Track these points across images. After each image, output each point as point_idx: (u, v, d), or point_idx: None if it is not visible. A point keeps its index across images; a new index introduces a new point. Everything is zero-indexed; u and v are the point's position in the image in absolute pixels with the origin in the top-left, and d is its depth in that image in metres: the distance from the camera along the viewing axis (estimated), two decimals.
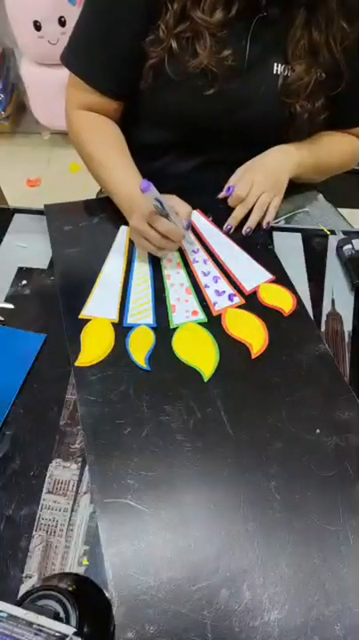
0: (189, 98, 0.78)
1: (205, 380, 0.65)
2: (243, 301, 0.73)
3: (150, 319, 0.71)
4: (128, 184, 0.78)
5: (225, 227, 0.83)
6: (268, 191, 0.82)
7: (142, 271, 0.78)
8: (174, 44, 0.74)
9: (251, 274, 0.77)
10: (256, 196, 0.82)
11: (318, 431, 0.60)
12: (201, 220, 0.85)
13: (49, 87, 1.82)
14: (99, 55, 0.80)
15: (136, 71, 0.79)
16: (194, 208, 0.86)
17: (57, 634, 0.36)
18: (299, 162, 0.85)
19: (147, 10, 0.73)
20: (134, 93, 0.83)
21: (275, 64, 0.77)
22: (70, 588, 0.45)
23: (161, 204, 0.68)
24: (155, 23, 0.74)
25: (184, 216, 0.76)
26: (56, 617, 0.41)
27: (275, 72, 0.78)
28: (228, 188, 0.83)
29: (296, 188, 1.03)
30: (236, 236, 0.82)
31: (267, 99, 0.79)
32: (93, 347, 0.68)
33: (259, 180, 0.82)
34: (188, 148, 0.89)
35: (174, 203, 0.76)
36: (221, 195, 0.86)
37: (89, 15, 0.79)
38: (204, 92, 0.76)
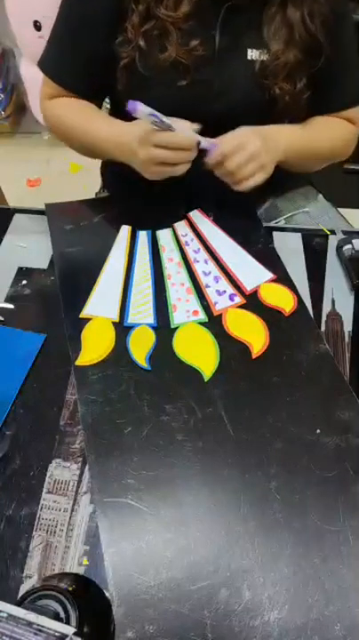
0: (164, 92, 0.77)
1: (206, 379, 0.65)
2: (244, 301, 0.73)
3: (151, 319, 0.71)
4: (117, 127, 0.77)
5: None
6: (259, 159, 0.73)
7: (143, 270, 0.78)
8: (142, 43, 0.74)
9: (252, 273, 0.77)
10: (245, 158, 0.72)
11: (318, 431, 0.60)
12: (202, 220, 0.85)
13: None
14: (69, 58, 0.82)
15: (109, 73, 0.80)
16: (194, 208, 0.86)
17: (57, 634, 0.36)
18: (289, 143, 0.80)
19: (115, 12, 0.74)
20: (113, 95, 0.85)
21: (249, 50, 0.76)
22: (70, 588, 0.44)
23: (157, 117, 0.65)
24: (124, 25, 0.75)
25: (186, 123, 0.71)
26: (56, 617, 0.41)
27: (249, 58, 0.77)
28: (212, 146, 0.73)
29: (296, 188, 1.03)
30: (237, 235, 0.82)
31: (244, 85, 0.78)
32: (94, 346, 0.68)
33: (253, 141, 0.72)
34: None
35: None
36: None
37: (61, 19, 0.81)
38: (177, 84, 0.77)
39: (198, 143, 0.71)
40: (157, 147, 0.68)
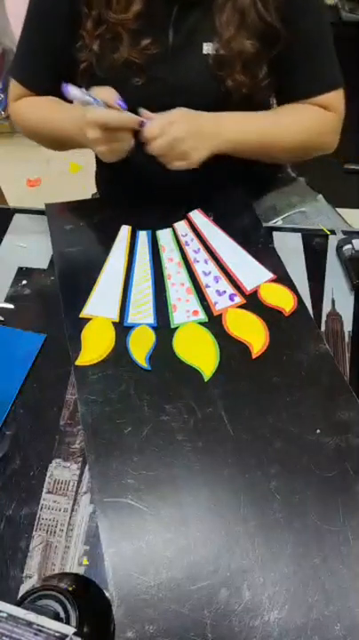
0: (121, 92, 0.76)
1: (206, 379, 0.65)
2: (244, 301, 0.73)
3: (151, 319, 0.71)
4: (77, 112, 0.76)
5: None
6: (181, 145, 0.71)
7: (143, 270, 0.78)
8: (96, 47, 0.75)
9: (252, 273, 0.77)
10: (171, 140, 0.71)
11: (318, 431, 0.60)
12: (201, 220, 0.85)
13: None
14: (32, 60, 0.83)
15: (71, 75, 0.80)
16: (194, 208, 0.86)
17: (57, 634, 0.36)
18: (238, 131, 0.77)
19: (71, 18, 0.75)
20: None
21: (205, 44, 0.75)
22: (70, 588, 0.45)
23: (90, 97, 0.66)
24: (79, 31, 0.76)
25: (113, 99, 0.71)
26: (56, 617, 0.41)
27: (205, 52, 0.76)
28: (142, 123, 0.72)
29: (293, 189, 1.03)
30: (237, 235, 0.82)
31: (200, 80, 0.77)
32: (94, 346, 0.68)
33: (178, 126, 0.71)
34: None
35: (98, 92, 0.71)
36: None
37: (25, 25, 0.82)
38: (133, 83, 0.77)
39: (141, 123, 0.71)
40: (101, 126, 0.69)
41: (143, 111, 0.72)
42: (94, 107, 0.67)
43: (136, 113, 0.72)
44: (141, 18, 0.73)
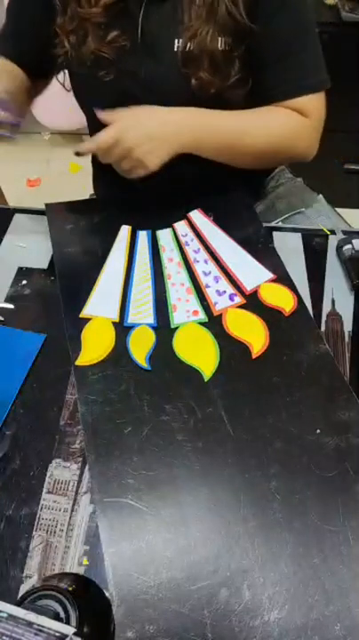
0: (96, 88, 0.77)
1: (206, 379, 0.65)
2: (244, 301, 0.73)
3: (151, 319, 0.71)
4: None
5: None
6: (133, 154, 0.71)
7: (143, 270, 0.78)
8: (67, 44, 0.75)
9: (252, 273, 0.77)
10: (122, 151, 0.70)
11: (318, 431, 0.60)
12: (202, 220, 0.85)
13: (49, 87, 1.82)
14: (12, 31, 0.83)
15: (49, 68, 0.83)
16: (194, 207, 0.86)
17: (57, 634, 0.36)
18: (199, 129, 0.74)
19: (50, 14, 0.76)
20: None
21: (176, 40, 0.73)
22: (70, 588, 0.45)
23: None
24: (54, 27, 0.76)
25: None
26: (56, 617, 0.41)
27: (176, 49, 0.73)
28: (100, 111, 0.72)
29: (295, 189, 1.03)
30: (237, 235, 0.82)
31: (171, 77, 0.76)
32: (94, 346, 0.68)
33: (129, 136, 0.70)
34: None
35: None
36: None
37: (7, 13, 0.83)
38: (104, 80, 0.76)
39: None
40: None
41: (98, 112, 0.72)
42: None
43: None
44: (110, 11, 0.72)
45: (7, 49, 0.83)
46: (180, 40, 0.73)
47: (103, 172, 0.86)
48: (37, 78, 0.87)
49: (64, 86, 0.85)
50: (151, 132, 0.71)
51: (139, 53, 0.76)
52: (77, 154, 0.73)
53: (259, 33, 0.71)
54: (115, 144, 0.70)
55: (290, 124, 0.77)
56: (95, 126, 0.83)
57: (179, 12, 0.72)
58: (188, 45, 0.72)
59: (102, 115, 0.72)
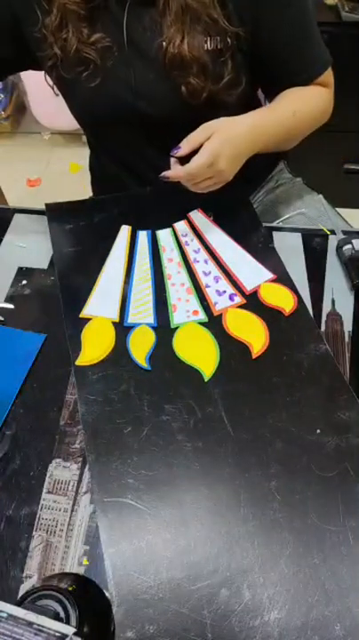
0: (85, 94, 0.77)
1: (206, 379, 0.65)
2: (244, 301, 0.73)
3: (151, 319, 0.71)
4: None
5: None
6: (220, 177, 0.72)
7: (143, 270, 0.78)
8: (56, 48, 0.74)
9: (252, 273, 0.76)
10: (208, 177, 0.71)
11: (318, 431, 0.60)
12: (202, 220, 0.85)
13: (49, 87, 1.82)
14: None
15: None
16: (194, 207, 0.86)
17: (57, 634, 0.36)
18: (263, 136, 0.76)
19: (26, 12, 0.75)
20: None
21: (162, 45, 0.73)
22: (70, 588, 0.45)
23: None
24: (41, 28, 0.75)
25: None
26: (56, 617, 0.41)
27: (162, 54, 0.73)
28: (177, 148, 0.70)
29: (295, 189, 1.03)
30: (237, 235, 0.82)
31: (159, 83, 0.76)
32: (94, 346, 0.68)
33: (220, 160, 0.69)
34: (128, 147, 0.88)
35: None
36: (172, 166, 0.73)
37: None
38: (91, 85, 0.76)
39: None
40: None
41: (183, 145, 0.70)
42: None
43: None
44: (93, 9, 0.72)
45: None
46: (165, 45, 0.72)
47: (101, 175, 0.86)
48: None
49: (53, 90, 0.84)
50: (239, 152, 0.72)
51: (126, 59, 0.75)
52: (163, 178, 0.72)
53: (269, 25, 0.73)
54: (208, 170, 0.70)
55: (321, 99, 0.83)
56: (91, 131, 0.84)
57: (163, 17, 0.71)
58: (174, 50, 0.72)
59: (186, 148, 0.70)
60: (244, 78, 0.78)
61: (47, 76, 0.83)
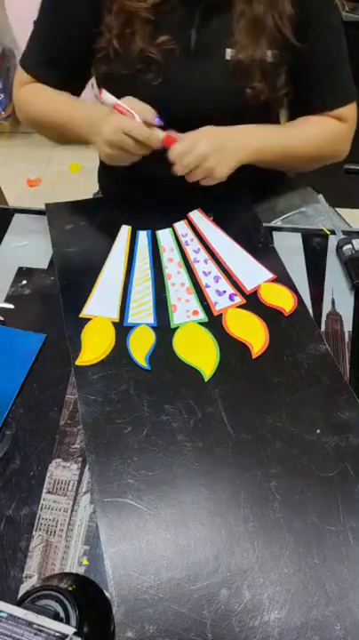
0: (141, 92, 0.77)
1: (206, 379, 0.65)
2: (244, 301, 0.73)
3: (151, 319, 0.71)
4: (91, 105, 0.79)
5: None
6: (205, 163, 0.74)
7: (143, 270, 0.78)
8: (116, 43, 0.75)
9: (252, 273, 0.77)
10: (196, 158, 0.74)
11: (318, 431, 0.60)
12: (202, 220, 0.85)
13: None
14: (46, 54, 0.83)
15: (85, 71, 0.83)
16: (194, 207, 0.86)
17: (57, 634, 0.36)
18: (262, 143, 0.80)
19: (92, 12, 0.76)
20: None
21: (229, 50, 0.76)
22: (70, 588, 0.45)
23: (122, 107, 0.69)
24: (101, 26, 0.76)
25: (150, 115, 0.73)
26: (56, 617, 0.41)
27: (227, 58, 0.77)
28: (169, 139, 0.75)
29: (295, 189, 1.03)
30: (237, 235, 0.82)
31: (220, 86, 0.78)
32: (94, 346, 0.68)
33: (202, 145, 0.73)
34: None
35: (133, 105, 0.73)
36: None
37: (40, 16, 0.82)
38: (152, 83, 0.77)
39: (167, 139, 0.74)
40: (126, 134, 0.71)
41: (172, 132, 0.74)
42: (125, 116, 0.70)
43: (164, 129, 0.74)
44: (159, 11, 0.73)
45: (46, 76, 0.84)
46: (231, 50, 0.76)
47: (110, 168, 0.85)
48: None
49: (96, 97, 0.84)
50: (221, 145, 0.75)
51: (189, 62, 0.77)
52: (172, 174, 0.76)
53: (305, 51, 0.76)
54: (189, 151, 0.73)
55: (333, 131, 0.85)
56: None
57: (231, 24, 0.75)
58: (239, 56, 0.75)
59: (175, 134, 0.74)
60: (291, 94, 0.82)
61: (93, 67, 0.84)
